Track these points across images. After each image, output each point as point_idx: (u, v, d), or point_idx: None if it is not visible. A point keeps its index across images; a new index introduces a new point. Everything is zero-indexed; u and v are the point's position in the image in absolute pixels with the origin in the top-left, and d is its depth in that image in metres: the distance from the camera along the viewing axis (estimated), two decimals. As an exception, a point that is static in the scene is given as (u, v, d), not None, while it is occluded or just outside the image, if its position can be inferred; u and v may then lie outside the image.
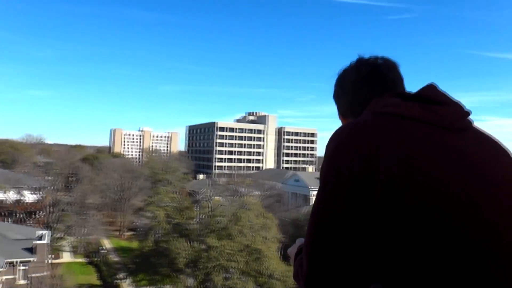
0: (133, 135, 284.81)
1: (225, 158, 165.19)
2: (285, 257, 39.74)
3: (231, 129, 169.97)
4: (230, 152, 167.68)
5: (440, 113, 1.19)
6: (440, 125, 1.16)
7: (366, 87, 1.41)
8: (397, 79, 1.45)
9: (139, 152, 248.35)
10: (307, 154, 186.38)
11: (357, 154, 1.11)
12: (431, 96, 1.26)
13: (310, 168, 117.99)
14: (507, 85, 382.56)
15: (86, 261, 50.40)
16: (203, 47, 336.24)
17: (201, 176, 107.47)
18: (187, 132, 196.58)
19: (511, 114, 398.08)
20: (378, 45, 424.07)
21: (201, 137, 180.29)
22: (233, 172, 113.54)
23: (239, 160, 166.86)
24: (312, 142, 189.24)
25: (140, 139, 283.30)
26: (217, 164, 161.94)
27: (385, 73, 1.42)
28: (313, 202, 1.21)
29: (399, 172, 1.05)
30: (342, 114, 1.53)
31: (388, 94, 1.34)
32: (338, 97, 1.52)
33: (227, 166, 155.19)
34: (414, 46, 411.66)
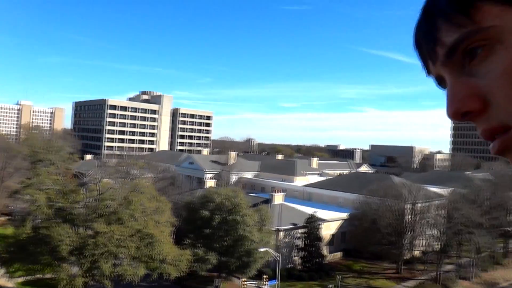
0: (9, 109, 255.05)
1: (116, 138, 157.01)
2: (178, 241, 39.30)
3: (123, 108, 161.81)
4: (122, 132, 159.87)
5: None
6: None
7: None
8: None
9: (17, 128, 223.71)
10: (203, 136, 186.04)
11: None
12: None
13: (205, 151, 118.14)
14: (385, 80, 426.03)
15: None
16: (94, 17, 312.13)
17: (88, 157, 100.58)
18: (74, 108, 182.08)
19: (388, 107, 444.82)
20: (273, 32, 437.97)
21: (90, 114, 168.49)
22: (125, 153, 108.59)
23: (131, 141, 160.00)
24: (208, 125, 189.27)
25: (18, 114, 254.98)
26: (107, 144, 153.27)
27: None
28: None
29: None
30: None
31: None
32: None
33: (118, 147, 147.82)
34: (305, 37, 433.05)
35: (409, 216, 53.72)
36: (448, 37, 0.70)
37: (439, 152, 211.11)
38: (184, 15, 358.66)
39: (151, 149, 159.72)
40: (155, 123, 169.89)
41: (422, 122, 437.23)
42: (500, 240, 61.36)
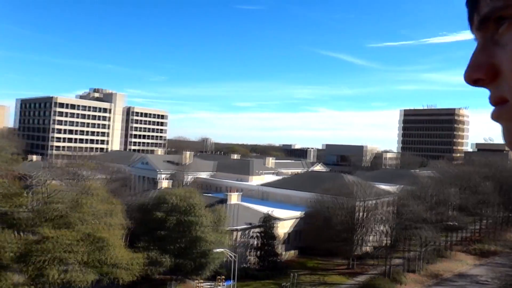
0: None
1: (64, 138, 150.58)
2: (131, 244, 38.32)
3: (73, 106, 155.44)
4: (71, 131, 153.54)
5: None
6: None
7: None
8: None
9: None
10: (157, 136, 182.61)
11: None
12: None
13: (160, 151, 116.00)
14: (337, 81, 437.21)
15: None
16: (34, 8, 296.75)
17: (34, 158, 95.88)
18: (18, 106, 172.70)
19: (341, 107, 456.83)
20: (227, 31, 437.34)
21: (36, 113, 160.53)
22: (74, 153, 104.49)
23: (81, 141, 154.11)
24: (162, 124, 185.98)
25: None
26: (55, 144, 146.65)
27: None
28: None
29: None
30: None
31: None
32: None
33: (67, 147, 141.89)
34: (259, 37, 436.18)
35: (361, 213, 55.49)
36: (484, 8, 0.81)
37: (388, 151, 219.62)
38: (135, 10, 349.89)
39: (103, 149, 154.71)
40: (107, 122, 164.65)
41: (373, 122, 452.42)
42: (443, 234, 64.80)
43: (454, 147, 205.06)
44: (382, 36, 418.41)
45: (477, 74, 0.78)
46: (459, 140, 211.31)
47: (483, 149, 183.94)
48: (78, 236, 29.33)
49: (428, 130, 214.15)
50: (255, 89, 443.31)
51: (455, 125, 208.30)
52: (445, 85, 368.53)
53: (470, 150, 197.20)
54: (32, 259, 27.49)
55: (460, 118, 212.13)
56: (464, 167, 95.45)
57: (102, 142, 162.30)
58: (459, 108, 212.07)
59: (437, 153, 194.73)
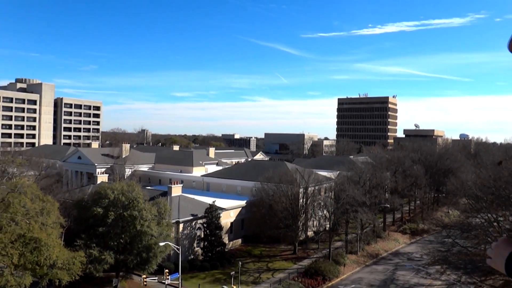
0: None
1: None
2: (69, 243, 36.28)
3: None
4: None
5: None
6: None
7: None
8: None
9: None
10: (91, 128, 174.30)
11: None
12: None
13: (95, 144, 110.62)
14: (274, 71, 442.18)
15: None
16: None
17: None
18: None
19: (279, 96, 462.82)
20: (160, 19, 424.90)
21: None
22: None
23: (7, 135, 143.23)
24: (97, 115, 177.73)
25: None
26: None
27: None
28: None
29: None
30: None
31: None
32: None
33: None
34: (193, 26, 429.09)
35: (303, 200, 56.84)
36: None
37: (326, 139, 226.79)
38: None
39: (32, 144, 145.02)
40: (35, 115, 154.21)
41: (310, 111, 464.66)
42: (379, 215, 68.33)
43: (387, 134, 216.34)
44: (315, 27, 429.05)
45: None
46: (391, 127, 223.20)
47: (410, 135, 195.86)
48: (9, 238, 27.20)
49: (362, 118, 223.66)
50: (192, 79, 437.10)
51: (388, 113, 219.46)
52: (374, 74, 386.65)
53: (402, 136, 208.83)
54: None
55: (392, 106, 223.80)
56: (395, 152, 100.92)
57: (31, 136, 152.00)
58: (391, 97, 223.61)
59: (372, 139, 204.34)
